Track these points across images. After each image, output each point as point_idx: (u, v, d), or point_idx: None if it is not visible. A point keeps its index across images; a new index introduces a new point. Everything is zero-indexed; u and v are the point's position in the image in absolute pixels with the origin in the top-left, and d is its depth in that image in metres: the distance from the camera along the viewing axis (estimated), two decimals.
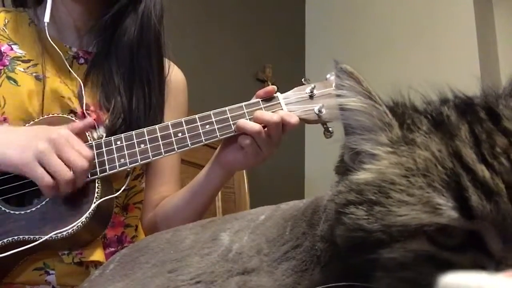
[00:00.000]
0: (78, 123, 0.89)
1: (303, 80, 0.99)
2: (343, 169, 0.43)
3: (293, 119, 0.92)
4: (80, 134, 0.88)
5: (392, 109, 0.41)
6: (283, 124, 0.91)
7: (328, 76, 0.98)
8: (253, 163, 0.94)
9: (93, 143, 0.90)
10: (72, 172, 0.82)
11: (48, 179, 0.81)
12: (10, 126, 0.90)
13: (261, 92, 0.96)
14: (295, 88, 0.98)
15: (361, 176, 0.39)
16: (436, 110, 0.40)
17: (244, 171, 1.78)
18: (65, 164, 0.81)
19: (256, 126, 0.89)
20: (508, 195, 0.33)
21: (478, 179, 0.34)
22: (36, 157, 0.81)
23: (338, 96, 0.43)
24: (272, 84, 0.97)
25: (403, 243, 0.36)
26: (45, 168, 0.81)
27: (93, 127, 0.92)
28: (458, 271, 0.33)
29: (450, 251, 0.35)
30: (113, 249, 0.97)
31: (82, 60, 1.03)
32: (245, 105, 0.95)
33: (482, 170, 0.34)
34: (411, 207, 0.35)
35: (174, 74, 1.11)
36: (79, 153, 0.83)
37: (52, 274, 0.90)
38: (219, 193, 1.50)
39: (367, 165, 0.40)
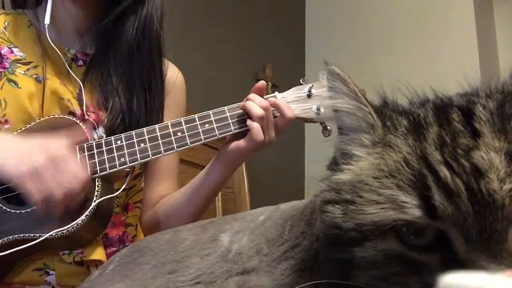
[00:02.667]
0: (79, 132, 0.89)
1: (301, 80, 1.01)
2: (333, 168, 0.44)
3: (287, 109, 0.94)
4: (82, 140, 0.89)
5: (378, 110, 0.42)
6: (278, 114, 0.94)
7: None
8: (254, 147, 0.93)
9: (94, 143, 0.90)
10: (63, 192, 0.80)
11: (38, 197, 0.79)
12: (9, 136, 0.89)
13: (255, 92, 0.96)
14: (293, 88, 1.00)
15: (341, 176, 0.41)
16: (416, 112, 0.41)
17: (244, 171, 1.78)
18: (58, 183, 0.79)
19: (260, 111, 0.92)
20: (469, 196, 0.34)
21: (440, 180, 0.35)
22: (31, 170, 0.79)
23: (330, 97, 0.44)
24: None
25: (374, 242, 0.37)
26: (37, 188, 0.79)
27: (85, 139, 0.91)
28: (423, 272, 0.35)
29: (418, 251, 0.36)
30: (115, 248, 0.97)
31: (80, 62, 1.03)
32: None
33: (443, 171, 0.35)
34: (379, 206, 0.36)
35: (173, 74, 1.11)
36: (75, 175, 0.81)
37: (52, 274, 0.90)
38: (219, 193, 1.50)
39: (347, 166, 0.41)
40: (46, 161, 0.80)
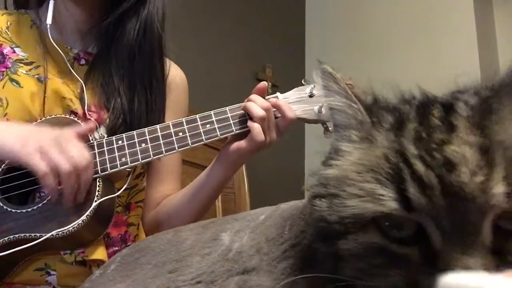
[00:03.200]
0: (81, 127, 0.90)
1: (302, 81, 1.01)
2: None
3: (287, 109, 0.94)
4: (83, 136, 0.89)
5: (368, 107, 0.43)
6: (279, 114, 0.94)
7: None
8: (255, 148, 0.94)
9: (95, 143, 0.91)
10: (71, 165, 0.81)
11: (46, 168, 0.80)
12: (13, 123, 0.91)
13: (257, 93, 0.96)
14: (295, 88, 1.00)
15: (329, 171, 0.42)
16: (402, 109, 0.42)
17: (244, 171, 1.78)
18: (65, 157, 0.81)
19: (261, 111, 0.92)
20: (441, 189, 0.35)
21: (415, 173, 0.36)
22: (37, 148, 0.81)
23: (324, 96, 0.46)
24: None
25: (355, 235, 0.38)
26: (45, 160, 0.81)
27: (94, 130, 0.92)
28: (402, 264, 0.36)
29: (399, 244, 0.37)
30: (116, 248, 0.97)
31: (83, 61, 1.03)
32: None
33: (417, 165, 0.36)
34: (360, 199, 0.37)
35: (175, 73, 1.12)
36: (80, 153, 0.83)
37: (53, 274, 0.90)
38: None
39: (335, 161, 0.42)
40: (52, 140, 0.82)
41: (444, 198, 0.34)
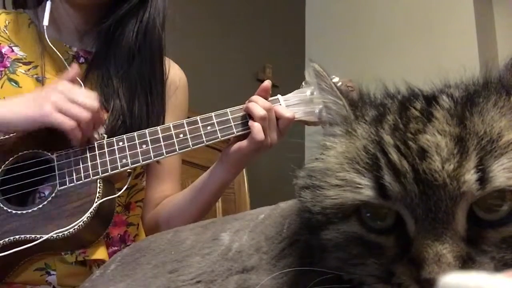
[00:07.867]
0: (67, 73, 0.92)
1: (303, 83, 1.00)
2: None
3: (285, 110, 0.95)
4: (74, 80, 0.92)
5: (353, 103, 0.44)
6: (277, 118, 0.94)
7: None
8: (256, 147, 0.93)
9: (95, 144, 0.91)
10: (89, 112, 0.85)
11: (71, 122, 0.84)
12: (12, 96, 0.92)
13: (261, 92, 0.96)
14: (296, 91, 1.00)
15: (315, 164, 0.43)
16: (385, 103, 0.43)
17: (244, 171, 1.78)
18: (80, 107, 0.85)
19: (262, 111, 0.92)
20: (414, 176, 0.35)
21: (390, 161, 0.36)
22: (54, 107, 0.83)
23: (318, 94, 0.47)
24: (273, 85, 0.98)
25: (336, 224, 0.39)
26: (67, 116, 0.84)
27: (78, 72, 0.94)
28: (380, 253, 0.37)
29: (377, 233, 0.38)
30: (116, 248, 0.98)
31: (82, 60, 1.03)
32: None
33: (392, 154, 0.37)
34: (340, 189, 0.38)
35: (174, 73, 1.12)
36: (87, 96, 0.87)
37: (53, 274, 0.90)
38: None
39: (321, 155, 0.43)
40: (60, 94, 0.85)
41: (417, 185, 0.35)
